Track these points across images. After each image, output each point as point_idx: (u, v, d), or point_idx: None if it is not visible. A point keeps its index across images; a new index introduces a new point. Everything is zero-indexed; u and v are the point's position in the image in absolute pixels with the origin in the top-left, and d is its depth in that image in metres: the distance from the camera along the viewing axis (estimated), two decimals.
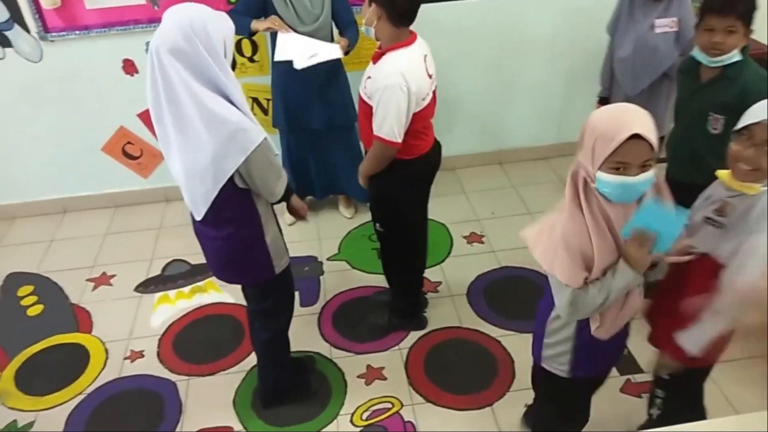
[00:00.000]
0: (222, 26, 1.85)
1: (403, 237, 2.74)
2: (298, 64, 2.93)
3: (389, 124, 2.28)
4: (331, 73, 3.22)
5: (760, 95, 2.20)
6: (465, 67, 3.82)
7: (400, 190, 2.56)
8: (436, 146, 2.61)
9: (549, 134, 4.20)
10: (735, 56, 2.24)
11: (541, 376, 2.03)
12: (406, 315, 2.98)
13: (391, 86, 2.23)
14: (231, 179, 1.92)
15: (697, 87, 2.39)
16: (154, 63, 1.80)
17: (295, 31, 3.00)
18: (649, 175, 1.52)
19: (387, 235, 2.74)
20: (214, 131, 1.83)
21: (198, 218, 2.05)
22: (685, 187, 2.16)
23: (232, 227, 2.07)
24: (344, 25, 3.15)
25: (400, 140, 2.33)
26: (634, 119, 1.50)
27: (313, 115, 3.29)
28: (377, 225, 2.73)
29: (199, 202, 1.99)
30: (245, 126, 1.87)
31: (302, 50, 2.94)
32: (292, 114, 3.31)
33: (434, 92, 2.47)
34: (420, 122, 2.40)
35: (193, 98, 1.81)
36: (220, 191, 1.93)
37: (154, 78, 1.82)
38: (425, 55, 2.37)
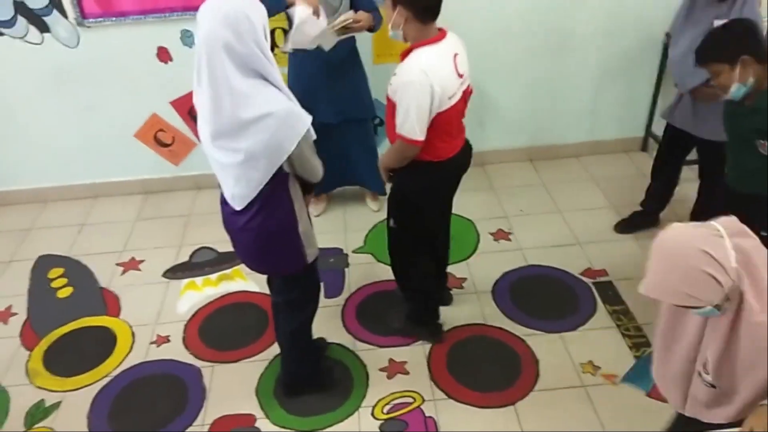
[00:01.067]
0: (260, 11, 1.86)
1: (419, 239, 2.67)
2: (327, 45, 2.94)
3: (411, 122, 2.23)
4: (347, 64, 3.20)
5: None
6: (497, 62, 3.76)
7: (422, 192, 2.51)
8: (466, 148, 2.54)
9: (581, 132, 4.13)
10: (740, 89, 2.23)
11: None
12: (420, 322, 2.90)
13: (412, 83, 2.19)
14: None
15: (739, 110, 2.36)
16: (202, 61, 1.80)
17: None
18: (702, 312, 1.47)
19: (400, 233, 2.65)
20: (262, 125, 1.86)
21: (240, 207, 2.04)
22: (742, 197, 2.15)
23: (267, 215, 2.06)
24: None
25: (422, 138, 2.27)
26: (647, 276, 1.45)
27: (327, 108, 3.24)
28: (391, 221, 2.63)
29: (246, 191, 1.99)
30: (295, 110, 1.92)
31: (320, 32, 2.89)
32: (306, 106, 3.27)
33: (465, 92, 2.41)
34: (447, 122, 2.33)
35: (236, 98, 1.83)
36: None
37: (200, 74, 1.83)
38: (456, 54, 2.30)
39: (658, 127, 4.07)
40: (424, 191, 2.51)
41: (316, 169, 2.10)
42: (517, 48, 3.77)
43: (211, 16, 1.80)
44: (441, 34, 2.30)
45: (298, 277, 2.30)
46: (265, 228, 2.09)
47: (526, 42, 3.75)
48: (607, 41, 3.79)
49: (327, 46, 3.02)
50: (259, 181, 1.96)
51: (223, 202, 2.14)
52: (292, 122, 1.91)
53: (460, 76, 2.33)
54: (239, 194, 2.01)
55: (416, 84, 2.18)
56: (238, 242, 2.22)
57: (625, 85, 3.95)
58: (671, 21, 3.13)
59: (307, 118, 1.94)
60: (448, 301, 3.05)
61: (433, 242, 2.76)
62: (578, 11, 3.68)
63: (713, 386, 1.60)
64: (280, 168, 1.96)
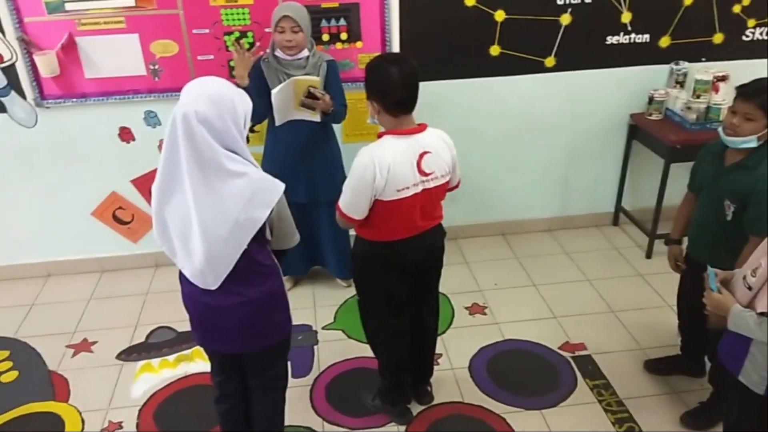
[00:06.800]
0: (244, 101, 1.93)
1: (369, 316, 2.66)
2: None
3: (347, 199, 2.31)
4: (321, 144, 3.21)
5: None
6: (472, 140, 3.77)
7: (359, 263, 2.53)
8: (421, 239, 2.43)
9: (552, 207, 4.14)
10: (750, 142, 2.25)
11: (734, 390, 2.03)
12: (387, 400, 2.75)
13: (359, 165, 2.24)
14: (259, 231, 1.93)
15: (720, 171, 2.39)
16: (177, 129, 1.79)
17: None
18: None
19: (359, 299, 2.66)
20: (242, 187, 1.87)
21: (220, 280, 1.96)
22: (702, 268, 2.12)
23: (262, 284, 2.05)
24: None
25: (356, 217, 2.31)
26: None
27: (299, 188, 3.21)
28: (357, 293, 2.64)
29: (224, 264, 1.94)
30: (268, 177, 1.95)
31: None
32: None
33: (430, 190, 2.33)
34: (389, 211, 2.30)
35: (218, 161, 1.83)
36: (250, 248, 1.93)
37: (175, 144, 1.81)
38: (425, 152, 2.26)
39: (627, 202, 4.13)
40: (361, 261, 2.51)
41: (291, 233, 2.12)
42: (494, 128, 3.82)
43: (195, 91, 1.84)
44: (416, 128, 2.28)
45: (288, 342, 2.24)
46: (262, 299, 2.06)
47: (502, 123, 3.81)
48: (577, 123, 3.88)
49: (308, 115, 3.07)
50: (237, 248, 1.93)
51: (194, 290, 2.04)
52: (267, 188, 1.93)
53: (424, 174, 2.28)
54: (216, 269, 1.95)
55: (360, 167, 2.23)
56: (225, 322, 2.08)
57: (594, 163, 4.01)
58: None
59: (281, 184, 1.96)
60: (423, 398, 2.82)
61: (397, 319, 2.61)
62: (550, 96, 3.77)
63: (750, 288, 1.86)
64: (261, 237, 1.96)
